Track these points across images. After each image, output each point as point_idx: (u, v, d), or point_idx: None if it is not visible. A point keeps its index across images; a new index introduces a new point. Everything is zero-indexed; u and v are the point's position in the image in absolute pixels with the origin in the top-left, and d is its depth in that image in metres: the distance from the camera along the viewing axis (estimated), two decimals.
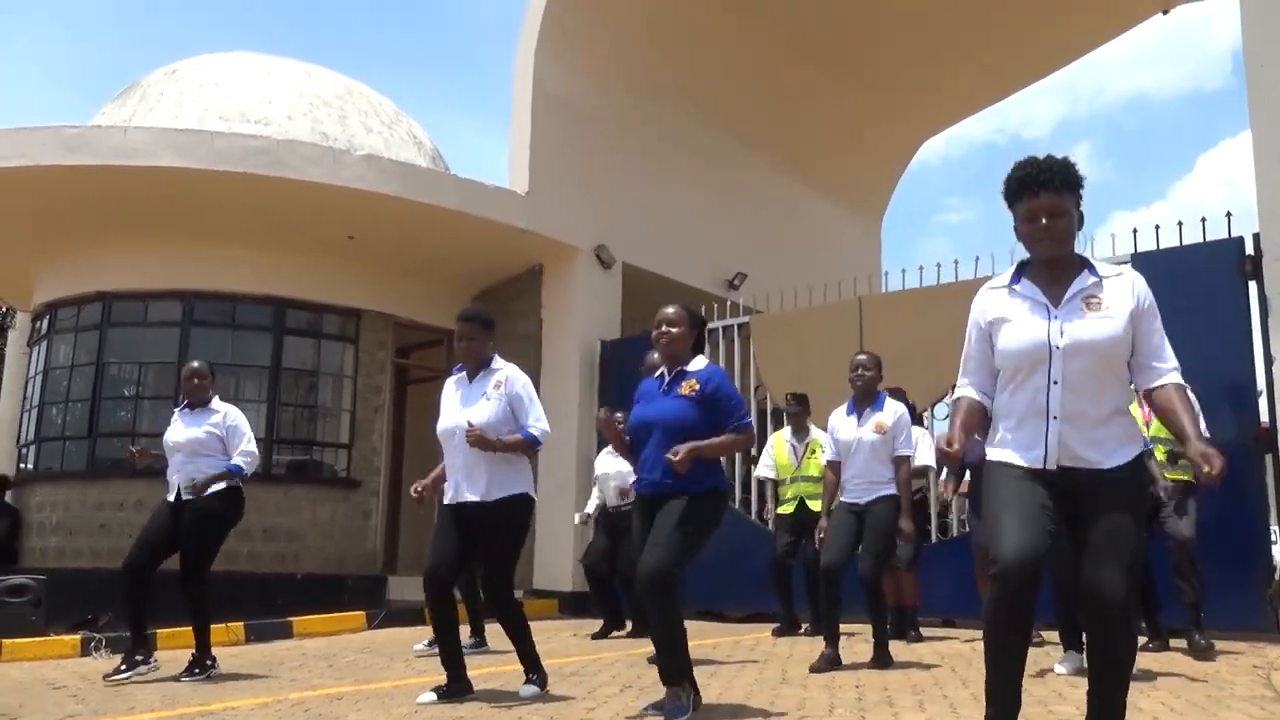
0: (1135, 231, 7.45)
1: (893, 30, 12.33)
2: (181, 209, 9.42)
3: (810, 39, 12.17)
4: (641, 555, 3.90)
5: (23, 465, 10.84)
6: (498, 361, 4.69)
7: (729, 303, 10.05)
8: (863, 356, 5.65)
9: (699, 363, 4.15)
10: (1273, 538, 6.91)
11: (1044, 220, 2.81)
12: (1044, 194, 2.80)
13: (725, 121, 12.46)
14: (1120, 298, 2.82)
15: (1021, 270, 2.96)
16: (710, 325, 9.78)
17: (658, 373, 4.22)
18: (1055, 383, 2.78)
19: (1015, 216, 2.88)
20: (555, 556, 10.33)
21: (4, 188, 9.01)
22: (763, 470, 7.78)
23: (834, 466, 5.65)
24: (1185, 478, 5.58)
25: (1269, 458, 6.72)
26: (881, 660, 5.33)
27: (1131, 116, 66.82)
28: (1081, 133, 65.24)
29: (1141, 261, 7.31)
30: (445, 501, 4.61)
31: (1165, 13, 12.11)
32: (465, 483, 4.51)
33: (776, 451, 7.52)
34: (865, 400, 5.54)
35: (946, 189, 64.65)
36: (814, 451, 7.27)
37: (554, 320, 10.89)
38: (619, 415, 7.29)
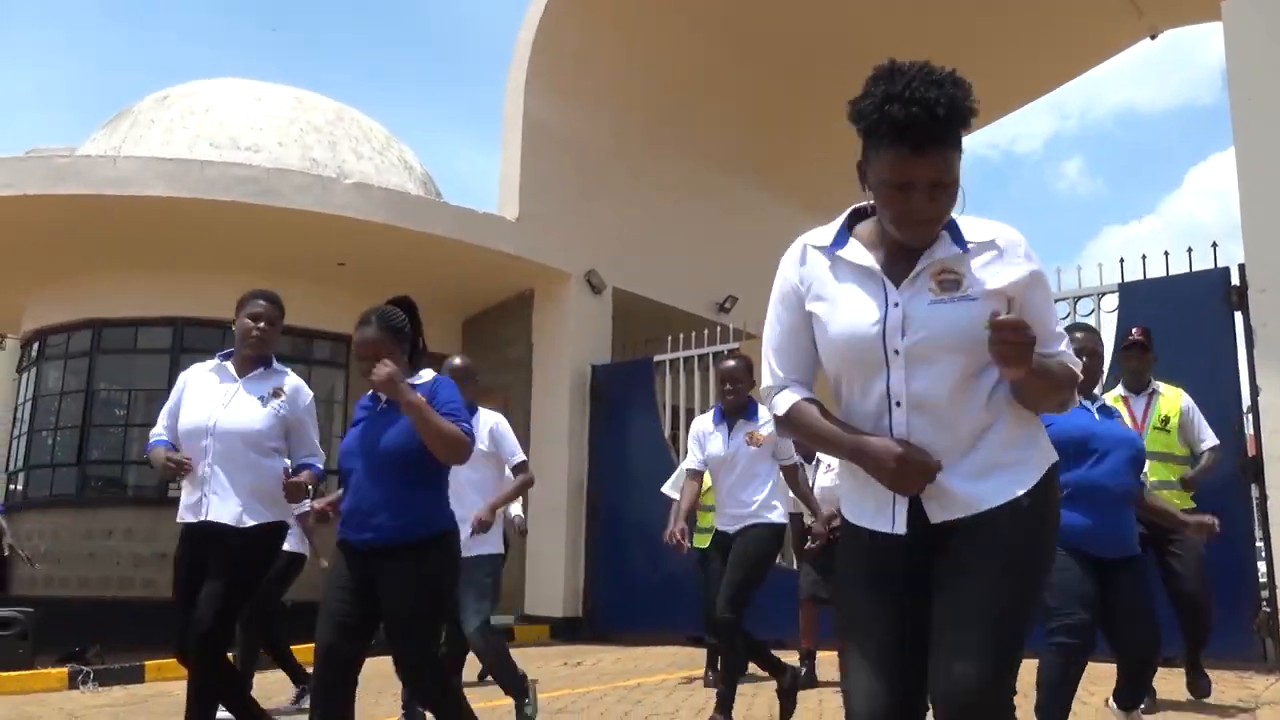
0: (1122, 261, 7.48)
1: (885, 56, 12.33)
2: (171, 237, 9.43)
3: (800, 66, 12.21)
4: (394, 640, 3.34)
5: (12, 487, 10.83)
6: (278, 365, 3.99)
7: (718, 327, 10.04)
8: (731, 364, 4.85)
9: (425, 375, 3.46)
10: (1259, 554, 6.93)
11: (924, 196, 1.80)
12: (930, 151, 1.77)
13: (715, 146, 12.49)
14: (993, 269, 1.87)
15: (853, 223, 2.00)
16: (700, 351, 9.83)
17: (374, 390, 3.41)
18: (897, 404, 1.86)
19: (873, 164, 1.88)
20: (547, 581, 10.31)
21: None
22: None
23: (697, 477, 4.88)
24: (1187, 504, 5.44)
25: (1253, 485, 6.75)
26: None
27: (1122, 131, 67.27)
28: (1073, 148, 65.70)
29: (1129, 291, 7.38)
30: (183, 519, 3.79)
31: (1153, 37, 12.21)
32: (214, 498, 3.71)
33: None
34: (737, 412, 4.78)
35: None
36: None
37: (544, 345, 10.90)
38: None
